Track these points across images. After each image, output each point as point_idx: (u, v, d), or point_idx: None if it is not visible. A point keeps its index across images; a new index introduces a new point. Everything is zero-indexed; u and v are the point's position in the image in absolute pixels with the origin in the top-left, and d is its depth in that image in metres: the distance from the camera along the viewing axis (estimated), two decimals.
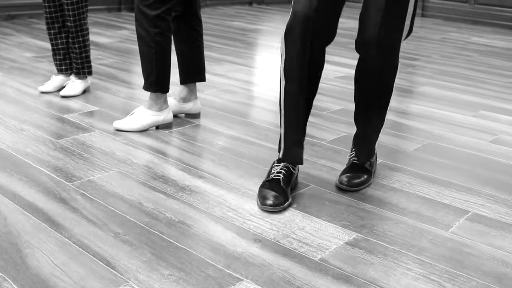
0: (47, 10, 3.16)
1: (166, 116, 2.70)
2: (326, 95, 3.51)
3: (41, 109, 2.92)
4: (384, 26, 1.93)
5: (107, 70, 3.84)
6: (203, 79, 2.88)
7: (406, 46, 5.53)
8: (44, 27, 5.42)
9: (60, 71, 3.29)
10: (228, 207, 1.95)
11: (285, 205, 1.98)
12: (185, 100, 2.86)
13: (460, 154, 2.60)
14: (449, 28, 7.22)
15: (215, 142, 2.58)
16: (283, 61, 2.02)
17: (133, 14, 7.07)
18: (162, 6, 2.54)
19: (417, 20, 7.83)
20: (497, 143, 2.78)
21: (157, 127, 2.69)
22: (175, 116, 2.86)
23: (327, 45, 2.01)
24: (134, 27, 5.75)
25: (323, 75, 4.29)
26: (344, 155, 2.49)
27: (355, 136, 2.26)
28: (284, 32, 1.97)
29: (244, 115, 3.00)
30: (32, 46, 4.57)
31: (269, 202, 1.95)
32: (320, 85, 3.96)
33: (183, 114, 2.89)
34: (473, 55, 5.29)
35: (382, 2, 1.91)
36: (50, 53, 4.27)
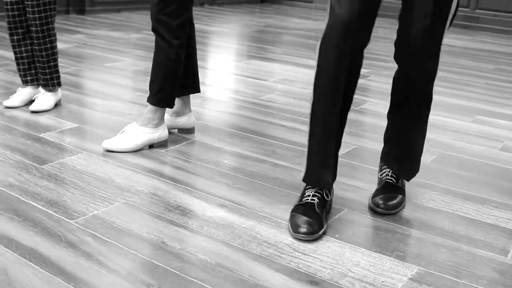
0: (10, 13, 2.78)
1: (161, 133, 2.41)
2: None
3: (12, 128, 2.55)
4: (430, 30, 1.75)
5: (74, 80, 3.47)
6: (198, 89, 2.61)
7: (375, 48, 5.44)
8: (4, 33, 4.95)
9: (25, 82, 2.91)
10: (265, 242, 1.70)
11: (319, 233, 1.76)
12: (178, 114, 2.57)
13: (477, 165, 2.46)
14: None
15: (221, 161, 2.31)
16: (315, 73, 1.80)
17: (83, 17, 6.67)
18: (184, 13, 2.27)
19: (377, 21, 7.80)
20: (507, 151, 2.68)
21: (151, 146, 2.40)
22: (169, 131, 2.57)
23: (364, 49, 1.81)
24: (89, 31, 5.36)
25: (305, 80, 4.17)
26: (362, 171, 2.30)
27: (387, 153, 2.07)
28: (320, 39, 1.76)
29: (240, 128, 2.75)
30: None
31: (303, 230, 1.74)
32: (306, 91, 3.77)
33: (176, 130, 2.61)
34: (442, 56, 5.26)
35: (429, 5, 1.72)
36: (6, 62, 3.85)
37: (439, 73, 4.35)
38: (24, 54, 2.85)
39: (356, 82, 1.88)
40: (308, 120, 1.87)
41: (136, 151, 2.35)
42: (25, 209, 1.80)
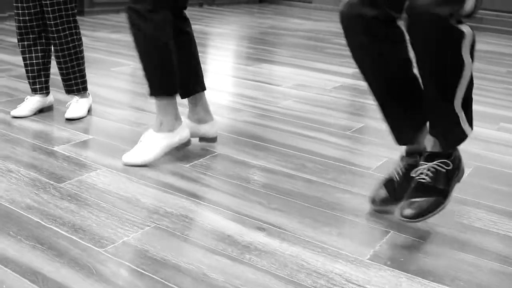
0: (21, 18, 2.61)
1: (181, 135, 2.26)
2: (334, 109, 3.18)
3: (23, 140, 2.39)
4: None
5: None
6: (204, 87, 2.44)
7: None
8: (4, 35, 4.76)
9: (34, 90, 2.74)
10: (315, 272, 1.56)
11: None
12: (200, 121, 2.41)
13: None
14: None
15: (250, 177, 2.17)
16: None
17: (82, 18, 6.43)
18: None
19: None
20: None
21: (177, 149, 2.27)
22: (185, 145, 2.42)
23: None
24: (89, 33, 5.18)
25: (319, 85, 4.03)
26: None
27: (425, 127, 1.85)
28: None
29: (263, 139, 2.60)
30: None
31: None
32: (322, 97, 3.65)
33: (197, 138, 2.45)
34: None
35: None
36: (7, 66, 3.68)
37: None
38: (34, 61, 2.68)
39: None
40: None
41: (159, 166, 2.20)
42: (47, 235, 1.65)
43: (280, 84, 3.70)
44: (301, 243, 1.71)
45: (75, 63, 2.69)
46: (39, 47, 2.67)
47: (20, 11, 2.60)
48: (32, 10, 2.59)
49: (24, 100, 2.74)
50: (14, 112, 2.67)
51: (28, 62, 2.69)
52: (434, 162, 1.77)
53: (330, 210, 1.94)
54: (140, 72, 3.78)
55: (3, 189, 1.92)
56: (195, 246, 1.65)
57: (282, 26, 6.53)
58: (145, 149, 2.20)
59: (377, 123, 2.95)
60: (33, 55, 2.68)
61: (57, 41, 2.61)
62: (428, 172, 1.76)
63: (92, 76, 3.57)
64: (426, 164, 1.77)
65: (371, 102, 3.46)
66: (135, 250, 1.60)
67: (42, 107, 2.76)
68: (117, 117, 2.78)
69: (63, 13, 2.58)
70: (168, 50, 2.18)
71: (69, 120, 2.68)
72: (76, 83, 2.73)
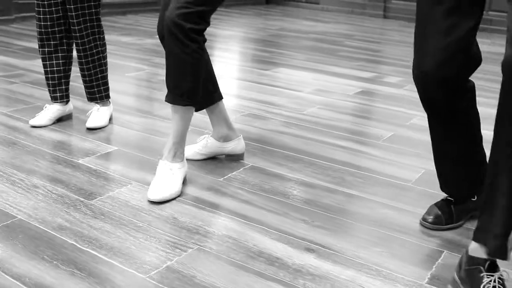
0: (42, 23, 2.49)
1: (185, 165, 2.09)
2: (360, 116, 3.07)
3: (45, 152, 2.27)
4: None
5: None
6: (221, 96, 2.27)
7: (394, 52, 5.22)
8: (14, 39, 4.62)
9: (54, 98, 2.62)
10: None
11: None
12: (226, 139, 2.29)
13: None
14: None
15: (288, 192, 2.06)
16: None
17: None
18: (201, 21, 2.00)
19: (380, 22, 7.61)
20: None
21: None
22: (213, 157, 2.31)
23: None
24: None
25: (340, 90, 3.92)
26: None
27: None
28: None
29: (295, 149, 2.49)
30: None
31: (430, 219, 1.87)
32: (345, 103, 3.51)
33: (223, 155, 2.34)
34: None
35: None
36: (19, 72, 3.56)
37: (482, 83, 4.14)
38: (55, 68, 2.57)
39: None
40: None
41: (191, 180, 2.08)
42: (85, 260, 1.53)
43: (301, 89, 3.59)
44: (354, 266, 1.60)
45: (98, 69, 2.58)
46: (60, 54, 2.56)
47: (41, 16, 2.48)
48: (55, 15, 2.48)
49: (42, 108, 2.62)
50: (33, 122, 2.55)
51: (48, 69, 2.57)
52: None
53: (377, 228, 1.84)
54: (158, 77, 3.69)
55: (31, 207, 1.81)
56: (244, 271, 1.53)
57: (292, 28, 6.42)
58: (169, 184, 1.96)
59: (406, 131, 2.85)
60: (54, 62, 2.56)
61: (80, 47, 2.50)
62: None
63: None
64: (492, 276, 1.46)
65: (397, 109, 3.37)
66: (182, 276, 1.49)
67: (62, 116, 2.65)
68: (139, 126, 2.66)
69: (87, 18, 2.47)
70: (198, 60, 1.99)
71: (90, 129, 2.57)
72: (99, 91, 2.62)
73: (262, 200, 1.98)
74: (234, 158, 2.32)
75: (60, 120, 2.65)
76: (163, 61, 4.17)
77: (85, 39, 2.49)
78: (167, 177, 1.97)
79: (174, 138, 2.01)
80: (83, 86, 3.11)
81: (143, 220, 1.77)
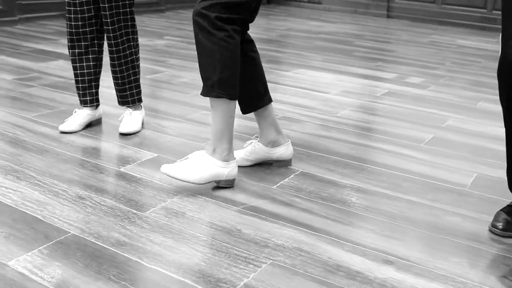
0: (73, 23, 2.35)
1: (231, 170, 1.96)
2: (393, 117, 2.98)
3: (82, 160, 2.14)
4: None
5: (113, 93, 3.05)
6: (270, 99, 2.16)
7: (407, 52, 5.15)
8: (23, 41, 4.46)
9: (84, 103, 2.49)
10: None
11: None
12: (274, 144, 2.17)
13: None
14: (424, 30, 6.94)
15: (347, 199, 1.95)
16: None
17: None
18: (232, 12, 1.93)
19: (384, 22, 7.54)
20: None
21: (216, 182, 1.97)
22: (261, 163, 2.19)
23: None
24: None
25: (366, 92, 3.82)
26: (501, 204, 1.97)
27: None
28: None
29: (341, 154, 2.37)
30: (7, 64, 3.63)
31: (500, 226, 1.78)
32: (376, 105, 3.39)
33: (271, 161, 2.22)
34: (481, 61, 5.00)
35: None
36: (36, 74, 3.41)
37: (489, 80, 4.05)
38: (85, 71, 2.43)
39: None
40: None
41: (244, 188, 1.96)
42: (155, 279, 1.41)
43: (328, 91, 3.49)
44: (438, 278, 1.50)
45: (131, 71, 2.45)
46: (91, 55, 2.43)
47: (72, 16, 2.35)
48: (86, 14, 2.34)
49: (66, 113, 2.49)
50: (63, 127, 2.42)
51: (79, 71, 2.44)
52: None
53: (448, 236, 1.73)
54: (178, 79, 3.57)
55: (81, 221, 1.68)
56: (327, 287, 1.43)
57: (300, 29, 6.32)
58: (191, 167, 1.89)
59: (445, 134, 2.75)
60: (85, 64, 2.43)
61: (114, 48, 2.37)
62: None
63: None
64: None
65: (428, 110, 3.27)
66: None
67: (91, 121, 2.52)
68: (174, 131, 2.54)
69: (121, 17, 2.34)
70: (231, 50, 1.91)
71: (123, 134, 2.44)
72: (131, 94, 2.49)
73: (322, 209, 1.86)
74: (282, 164, 2.20)
75: (90, 125, 2.52)
76: (179, 62, 4.04)
77: (119, 40, 2.37)
78: (192, 163, 1.90)
79: (213, 135, 1.92)
80: (111, 89, 3.02)
81: (206, 233, 1.65)
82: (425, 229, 1.77)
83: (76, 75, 2.45)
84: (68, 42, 2.40)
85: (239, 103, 2.13)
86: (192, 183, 1.89)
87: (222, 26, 1.83)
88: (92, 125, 2.53)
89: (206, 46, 1.82)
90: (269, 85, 3.53)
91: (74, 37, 2.37)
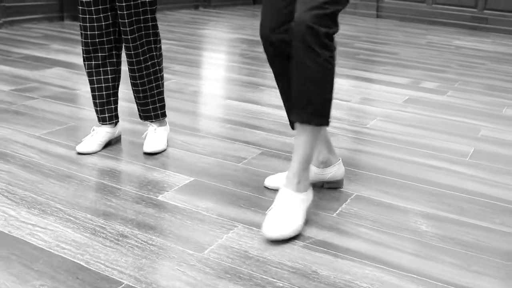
0: (89, 33, 2.09)
1: (309, 195, 1.76)
2: (425, 128, 2.81)
3: (111, 187, 1.89)
4: None
5: (130, 107, 2.80)
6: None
7: (410, 55, 5.01)
8: (13, 49, 4.13)
9: (103, 120, 2.23)
10: None
11: None
12: (327, 164, 1.96)
13: None
14: (416, 30, 6.83)
15: (417, 228, 1.76)
16: None
17: (77, 23, 5.79)
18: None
19: (374, 22, 7.42)
20: None
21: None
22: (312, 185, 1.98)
23: None
24: None
25: (387, 99, 3.64)
26: None
27: None
28: None
29: (386, 171, 2.18)
30: (1, 73, 3.35)
31: None
32: (403, 114, 3.16)
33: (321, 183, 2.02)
34: (485, 63, 4.90)
35: None
36: (34, 84, 3.13)
37: (501, 84, 3.97)
38: (103, 85, 2.18)
39: None
40: None
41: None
42: None
43: (348, 99, 3.30)
44: None
45: (154, 84, 2.21)
46: (109, 68, 2.17)
47: (88, 24, 2.09)
48: (103, 23, 2.09)
49: (78, 129, 2.22)
50: (82, 148, 2.16)
51: (96, 86, 2.18)
52: None
53: None
54: (189, 88, 3.32)
55: (133, 267, 1.44)
56: None
57: None
58: (293, 217, 1.65)
59: (486, 146, 2.59)
60: (102, 77, 2.17)
61: (134, 59, 2.12)
62: None
63: (128, 93, 3.06)
64: None
65: (457, 119, 3.10)
66: None
67: (111, 139, 2.27)
68: (203, 149, 2.31)
69: (142, 24, 2.09)
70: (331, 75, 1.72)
71: (148, 154, 2.20)
72: (154, 108, 2.25)
73: (395, 240, 1.67)
74: (333, 185, 2.00)
75: (109, 143, 2.27)
76: (184, 69, 3.79)
77: (139, 50, 2.12)
78: (288, 210, 1.65)
79: (299, 163, 1.68)
80: (128, 103, 2.77)
81: (280, 277, 1.43)
82: (508, 260, 1.60)
83: (93, 89, 2.19)
84: (83, 54, 2.13)
85: (289, 119, 1.93)
86: (300, 231, 1.66)
87: (329, 45, 1.60)
88: (112, 143, 2.28)
89: (310, 67, 1.59)
90: (269, 91, 3.32)
91: (90, 47, 2.11)
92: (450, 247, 1.66)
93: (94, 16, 2.09)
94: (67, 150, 2.20)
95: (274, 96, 3.23)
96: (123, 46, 2.15)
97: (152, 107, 2.25)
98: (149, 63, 2.16)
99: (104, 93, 2.20)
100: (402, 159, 2.36)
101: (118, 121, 2.28)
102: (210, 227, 1.67)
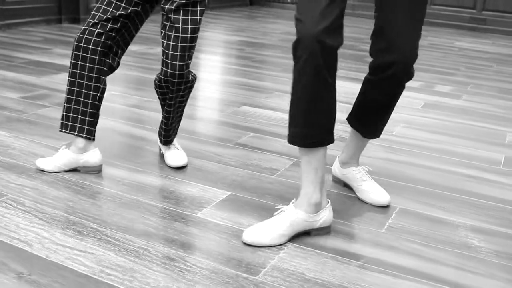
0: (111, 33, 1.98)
1: (328, 216, 1.69)
2: (451, 135, 2.74)
3: (146, 204, 1.78)
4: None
5: (152, 116, 2.70)
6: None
7: (426, 58, 4.96)
8: (15, 54, 3.98)
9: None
10: None
11: None
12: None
13: None
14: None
15: (469, 242, 1.68)
16: None
17: (79, 26, 5.63)
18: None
19: (371, 23, 7.37)
20: None
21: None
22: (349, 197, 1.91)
23: None
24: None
25: (405, 104, 3.56)
26: None
27: None
28: None
29: (423, 182, 2.10)
30: (7, 80, 3.20)
31: None
32: (425, 120, 3.08)
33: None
34: (492, 65, 4.87)
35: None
36: (43, 91, 3.02)
37: (505, 86, 3.93)
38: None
39: None
40: None
41: (350, 233, 1.68)
42: None
43: None
44: None
45: (182, 107, 2.09)
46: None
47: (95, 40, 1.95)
48: (102, 44, 1.89)
49: (99, 138, 2.13)
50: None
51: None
52: None
53: None
54: (197, 93, 3.23)
55: None
56: None
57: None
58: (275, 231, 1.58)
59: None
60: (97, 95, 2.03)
61: (175, 81, 1.97)
62: None
63: (144, 100, 2.97)
64: None
65: (480, 124, 3.03)
66: None
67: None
68: (231, 160, 2.21)
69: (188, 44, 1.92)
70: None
71: (173, 167, 2.10)
72: (174, 133, 2.14)
73: (450, 257, 1.60)
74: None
75: (128, 154, 2.17)
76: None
77: (184, 71, 1.90)
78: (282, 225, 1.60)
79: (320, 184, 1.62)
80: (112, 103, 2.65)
81: None
82: None
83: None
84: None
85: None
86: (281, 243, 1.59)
87: None
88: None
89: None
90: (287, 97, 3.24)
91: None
92: (506, 263, 1.59)
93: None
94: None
95: (288, 101, 3.15)
96: (168, 75, 1.91)
97: (173, 132, 2.14)
98: (188, 85, 2.01)
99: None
100: (435, 168, 2.29)
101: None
102: (259, 246, 1.58)
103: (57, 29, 5.05)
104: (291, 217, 1.60)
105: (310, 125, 1.55)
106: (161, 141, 2.14)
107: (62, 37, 4.73)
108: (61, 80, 3.29)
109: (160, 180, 1.99)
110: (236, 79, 3.67)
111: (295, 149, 2.39)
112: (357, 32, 6.35)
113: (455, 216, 1.86)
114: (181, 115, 2.11)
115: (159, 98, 2.03)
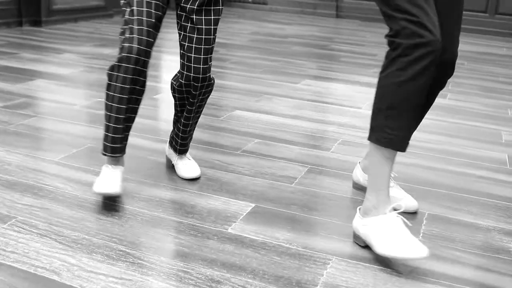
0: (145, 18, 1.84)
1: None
2: (449, 135, 2.74)
3: (170, 220, 1.66)
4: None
5: (149, 123, 2.56)
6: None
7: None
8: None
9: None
10: None
11: None
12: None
13: None
14: (379, 30, 6.77)
15: (504, 246, 1.65)
16: None
17: (40, 29, 5.37)
18: None
19: (335, 22, 7.40)
20: None
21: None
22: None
23: None
24: (70, 47, 4.27)
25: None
26: None
27: None
28: None
29: (442, 185, 2.07)
30: None
31: None
32: (429, 122, 3.12)
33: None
34: (463, 62, 4.96)
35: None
36: (22, 99, 2.81)
37: (493, 85, 4.00)
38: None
39: None
40: None
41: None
42: None
43: (357, 105, 3.20)
44: None
45: (199, 114, 1.98)
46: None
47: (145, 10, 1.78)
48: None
49: (96, 150, 1.99)
50: (100, 188, 1.92)
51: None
52: None
53: None
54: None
55: None
56: None
57: (266, 32, 5.97)
58: (381, 240, 1.52)
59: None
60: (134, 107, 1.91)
61: (199, 92, 1.86)
62: None
63: (145, 108, 2.82)
64: None
65: (473, 124, 3.12)
66: None
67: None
68: (245, 169, 2.11)
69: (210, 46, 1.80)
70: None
71: (186, 180, 1.99)
72: (190, 139, 2.04)
73: (493, 263, 1.56)
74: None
75: (131, 166, 2.04)
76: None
77: (207, 74, 1.80)
78: (374, 235, 1.53)
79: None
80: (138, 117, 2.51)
81: None
82: None
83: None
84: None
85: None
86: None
87: None
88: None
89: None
90: (292, 101, 3.17)
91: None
92: None
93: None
94: (97, 176, 1.96)
95: (283, 105, 3.08)
96: (191, 79, 1.79)
97: (189, 140, 2.03)
98: (207, 95, 1.90)
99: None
100: (447, 170, 2.27)
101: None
102: (303, 262, 1.50)
103: (19, 33, 4.79)
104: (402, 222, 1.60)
105: (409, 129, 1.54)
106: (175, 150, 2.03)
107: (26, 40, 4.48)
108: (38, 87, 3.09)
109: (176, 193, 1.88)
110: (220, 82, 3.56)
111: (304, 155, 2.32)
112: (324, 31, 6.34)
113: (482, 219, 1.84)
114: (197, 121, 2.01)
115: (176, 103, 1.92)
